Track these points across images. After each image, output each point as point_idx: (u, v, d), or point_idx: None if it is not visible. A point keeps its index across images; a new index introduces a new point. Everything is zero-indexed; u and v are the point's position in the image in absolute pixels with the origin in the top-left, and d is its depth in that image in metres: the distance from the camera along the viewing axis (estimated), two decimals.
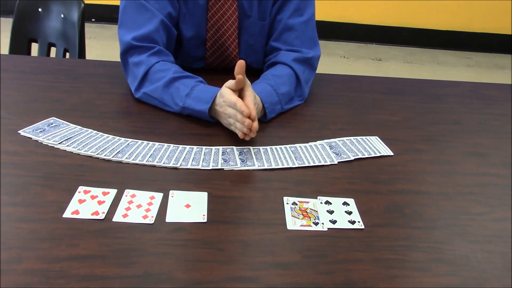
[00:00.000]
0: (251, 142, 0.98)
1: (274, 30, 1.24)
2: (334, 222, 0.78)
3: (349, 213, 0.80)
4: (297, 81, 1.18)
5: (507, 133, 1.15)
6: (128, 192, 0.79)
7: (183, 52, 1.28)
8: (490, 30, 4.13)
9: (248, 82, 1.00)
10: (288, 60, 1.19)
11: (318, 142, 1.00)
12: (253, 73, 1.32)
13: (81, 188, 0.79)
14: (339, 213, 0.80)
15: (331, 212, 0.80)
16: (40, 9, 1.55)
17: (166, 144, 0.93)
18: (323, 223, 0.77)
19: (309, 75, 1.22)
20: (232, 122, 0.97)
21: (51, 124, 0.97)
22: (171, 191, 0.81)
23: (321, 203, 0.81)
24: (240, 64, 0.95)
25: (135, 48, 1.13)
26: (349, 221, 0.78)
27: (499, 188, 0.93)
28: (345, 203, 0.82)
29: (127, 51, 1.13)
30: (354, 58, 3.83)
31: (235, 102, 0.94)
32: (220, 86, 1.01)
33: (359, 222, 0.78)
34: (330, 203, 0.82)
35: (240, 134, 0.95)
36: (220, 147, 0.95)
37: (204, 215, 0.76)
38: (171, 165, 0.88)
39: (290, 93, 1.15)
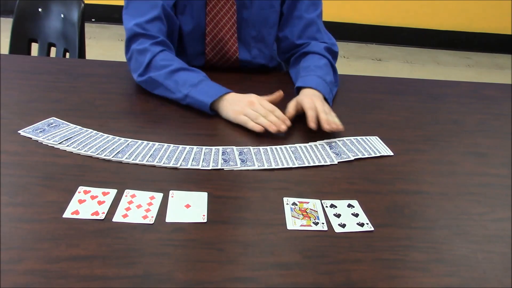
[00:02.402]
0: (251, 142, 0.98)
1: (295, 27, 1.29)
2: (343, 226, 0.77)
3: (356, 215, 0.80)
4: (333, 69, 1.26)
5: (507, 133, 1.15)
6: (128, 192, 0.79)
7: (183, 48, 1.28)
8: (490, 30, 4.13)
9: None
10: (320, 50, 1.26)
11: (318, 142, 1.00)
12: (258, 71, 1.33)
13: (81, 188, 0.79)
14: (346, 216, 0.79)
15: (338, 215, 0.80)
16: (40, 9, 1.55)
17: (166, 144, 0.93)
18: (323, 223, 0.77)
19: (335, 63, 1.29)
20: (255, 117, 1.02)
21: (51, 124, 0.97)
22: (171, 191, 0.81)
23: (327, 206, 0.81)
24: (280, 95, 1.09)
25: (139, 35, 1.16)
26: (357, 224, 0.78)
27: (499, 188, 0.93)
28: (349, 205, 0.82)
29: (131, 38, 1.17)
30: (354, 58, 3.84)
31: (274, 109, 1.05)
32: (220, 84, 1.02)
33: (367, 224, 0.78)
34: (336, 206, 0.82)
35: (272, 128, 1.00)
36: (220, 147, 0.95)
37: (204, 215, 0.76)
38: (171, 165, 0.88)
39: (332, 81, 1.21)
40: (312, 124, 1.01)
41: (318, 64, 1.23)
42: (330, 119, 1.02)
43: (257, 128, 1.00)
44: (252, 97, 1.06)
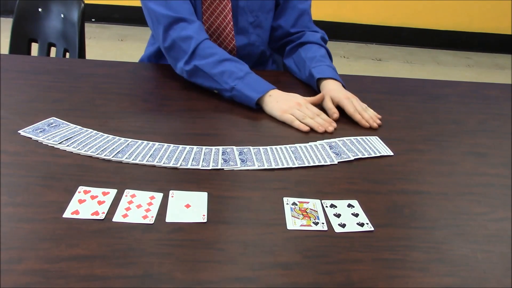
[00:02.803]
0: (251, 142, 0.98)
1: (289, 16, 1.35)
2: (343, 226, 0.77)
3: (356, 215, 0.80)
4: (330, 58, 1.33)
5: (507, 133, 1.15)
6: (128, 192, 0.79)
7: None
8: (490, 30, 4.13)
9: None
10: (317, 39, 1.33)
11: (318, 142, 1.00)
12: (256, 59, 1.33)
13: (81, 188, 0.79)
14: (346, 216, 0.79)
15: (338, 215, 0.80)
16: (40, 9, 1.55)
17: (166, 144, 0.93)
18: (323, 223, 0.77)
19: None
20: (302, 117, 1.07)
21: (51, 124, 0.97)
22: (171, 191, 0.81)
23: (327, 206, 0.81)
24: (322, 96, 1.15)
25: (178, 20, 1.16)
26: (357, 224, 0.78)
27: (499, 188, 0.93)
28: (349, 205, 0.82)
29: (170, 26, 1.16)
30: (354, 58, 3.84)
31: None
32: None
33: (367, 224, 0.78)
34: (336, 206, 0.82)
35: (320, 129, 1.05)
36: (220, 147, 0.95)
37: (204, 215, 0.76)
38: (171, 165, 0.88)
39: (333, 66, 1.28)
40: (367, 124, 1.10)
41: (321, 53, 1.30)
42: (373, 116, 1.12)
43: (303, 127, 1.05)
44: (299, 98, 1.12)
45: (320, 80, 1.22)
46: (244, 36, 1.32)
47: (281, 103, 1.10)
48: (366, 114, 1.11)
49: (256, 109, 1.12)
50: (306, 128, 1.04)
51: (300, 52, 1.32)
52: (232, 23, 1.28)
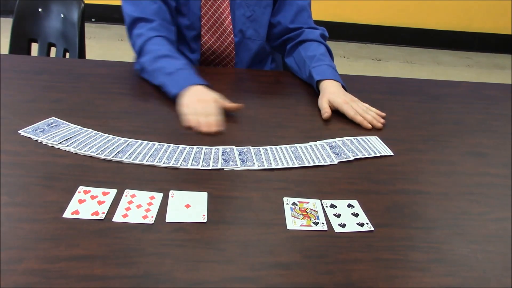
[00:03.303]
0: (251, 142, 0.98)
1: (288, 12, 1.34)
2: (343, 226, 0.77)
3: (356, 215, 0.80)
4: (331, 56, 1.32)
5: (507, 133, 1.15)
6: (128, 192, 0.79)
7: (179, 30, 1.30)
8: (490, 30, 4.13)
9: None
10: (317, 37, 1.32)
11: (318, 142, 1.00)
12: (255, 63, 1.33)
13: (81, 188, 0.79)
14: (346, 216, 0.79)
15: (338, 215, 0.80)
16: (40, 9, 1.55)
17: (166, 144, 0.93)
18: (323, 223, 0.77)
19: None
20: (193, 112, 1.02)
21: (51, 124, 0.97)
22: (171, 191, 0.81)
23: (326, 206, 0.81)
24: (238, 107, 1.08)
25: (137, 20, 1.20)
26: (357, 224, 0.78)
27: (499, 188, 0.93)
28: (350, 205, 0.82)
29: (131, 24, 1.21)
30: (354, 58, 3.84)
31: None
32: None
33: (367, 224, 0.78)
34: (336, 206, 0.82)
35: (367, 126, 1.08)
36: (220, 147, 0.95)
37: (204, 215, 0.76)
38: (171, 165, 0.88)
39: (334, 64, 1.27)
40: (369, 126, 1.09)
41: (320, 51, 1.28)
42: (375, 116, 1.11)
43: (186, 122, 1.02)
44: (211, 95, 1.06)
45: (319, 81, 1.21)
46: (241, 29, 1.32)
47: (192, 96, 1.06)
48: (368, 116, 1.11)
49: (256, 109, 1.12)
50: (187, 124, 1.01)
51: (300, 50, 1.32)
52: (230, 17, 1.28)
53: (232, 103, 1.08)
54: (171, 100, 1.10)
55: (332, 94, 1.15)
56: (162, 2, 1.22)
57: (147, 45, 1.17)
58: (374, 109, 1.14)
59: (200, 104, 1.05)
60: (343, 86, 1.20)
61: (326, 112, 1.11)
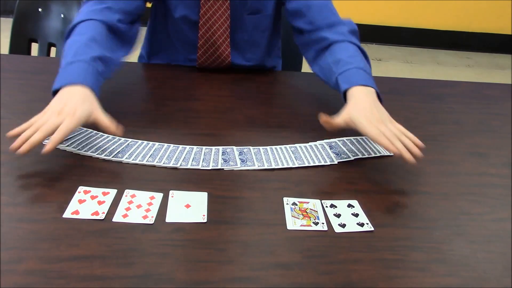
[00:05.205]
0: (251, 142, 0.98)
1: (304, 14, 1.17)
2: (343, 226, 0.77)
3: (356, 215, 0.80)
4: (364, 55, 1.12)
5: (507, 133, 1.15)
6: (128, 192, 0.79)
7: (175, 49, 1.28)
8: (490, 30, 4.13)
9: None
10: (344, 36, 1.12)
11: (318, 142, 1.00)
12: (251, 72, 1.33)
13: (81, 188, 0.79)
14: (346, 216, 0.79)
15: (338, 215, 0.80)
16: (40, 9, 1.55)
17: (166, 144, 0.93)
18: (323, 223, 0.77)
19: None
20: (38, 124, 0.82)
21: None
22: (171, 191, 0.81)
23: (326, 206, 0.81)
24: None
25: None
26: (357, 224, 0.78)
27: (499, 188, 0.93)
28: (349, 205, 0.82)
29: (86, 1, 1.09)
30: None
31: None
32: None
33: (367, 224, 0.78)
34: (336, 206, 0.82)
35: (393, 151, 0.85)
36: (220, 147, 0.94)
37: (204, 215, 0.76)
38: (171, 165, 0.88)
39: (366, 65, 1.08)
40: (397, 151, 0.85)
41: (349, 53, 1.08)
42: (409, 144, 0.87)
43: (27, 141, 0.80)
44: (71, 109, 0.84)
45: (347, 90, 0.99)
46: (239, 53, 1.30)
47: (57, 102, 0.86)
48: (398, 143, 0.86)
49: (256, 109, 1.11)
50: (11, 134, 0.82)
51: (326, 56, 1.12)
52: (229, 39, 1.25)
53: (110, 124, 0.87)
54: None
55: (355, 107, 0.93)
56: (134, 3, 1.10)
57: (78, 26, 1.01)
58: (410, 134, 0.90)
59: (53, 116, 0.83)
60: (378, 95, 0.99)
61: (326, 122, 0.93)
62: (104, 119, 0.87)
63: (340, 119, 0.93)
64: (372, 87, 0.98)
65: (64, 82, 0.89)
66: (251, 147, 0.96)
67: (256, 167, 0.90)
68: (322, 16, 1.16)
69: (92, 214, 0.74)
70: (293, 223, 0.77)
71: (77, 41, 0.98)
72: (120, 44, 1.09)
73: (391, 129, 0.89)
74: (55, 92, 0.89)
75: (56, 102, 0.86)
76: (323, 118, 0.93)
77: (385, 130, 0.88)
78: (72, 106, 0.85)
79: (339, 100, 1.22)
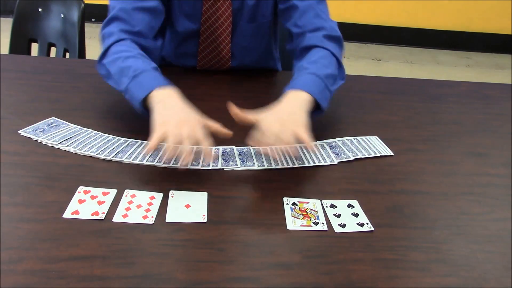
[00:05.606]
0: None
1: (290, 16, 1.16)
2: (343, 226, 0.77)
3: (356, 215, 0.80)
4: (336, 60, 1.10)
5: (507, 133, 1.15)
6: (128, 192, 0.79)
7: (175, 42, 1.28)
8: (490, 30, 4.13)
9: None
10: (318, 40, 1.11)
11: (318, 142, 1.00)
12: (250, 73, 1.33)
13: (81, 188, 0.79)
14: (346, 216, 0.79)
15: (338, 215, 0.80)
16: (40, 9, 1.55)
17: (166, 144, 0.93)
18: (323, 223, 0.77)
19: (341, 51, 1.14)
20: (172, 138, 0.82)
21: (51, 124, 0.97)
22: (171, 191, 0.81)
23: (326, 206, 0.81)
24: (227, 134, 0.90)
25: (117, 19, 1.06)
26: (357, 224, 0.78)
27: (499, 188, 0.93)
28: (349, 205, 0.82)
29: (110, 20, 1.06)
30: (354, 58, 3.83)
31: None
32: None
33: (367, 224, 0.78)
34: (336, 206, 0.82)
35: (183, 164, 0.83)
36: (220, 147, 0.94)
37: (204, 215, 0.76)
38: (171, 165, 0.88)
39: (333, 74, 1.05)
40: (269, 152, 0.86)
41: (314, 58, 1.07)
42: (285, 153, 0.88)
43: (166, 155, 0.82)
44: (192, 117, 0.87)
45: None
46: (238, 57, 1.30)
47: (168, 112, 0.87)
48: (275, 153, 0.86)
49: (256, 109, 1.11)
50: (151, 150, 0.82)
51: (301, 60, 1.10)
52: (230, 45, 1.25)
53: (220, 127, 0.89)
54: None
55: (271, 110, 0.92)
56: (158, 14, 1.10)
57: (116, 45, 1.01)
58: (306, 141, 0.86)
59: (182, 126, 0.83)
60: (318, 104, 0.97)
61: (235, 114, 0.91)
62: (212, 123, 0.89)
63: (251, 116, 0.91)
64: (306, 91, 0.95)
65: (149, 88, 0.90)
66: (251, 147, 0.96)
67: (256, 167, 0.90)
68: (305, 19, 1.14)
69: (92, 214, 0.74)
70: (293, 223, 0.77)
71: (130, 56, 0.99)
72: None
73: (283, 135, 0.86)
74: (140, 104, 0.91)
75: (168, 114, 0.87)
76: (233, 110, 0.91)
77: (278, 132, 0.86)
78: (190, 115, 0.87)
79: (338, 100, 1.23)
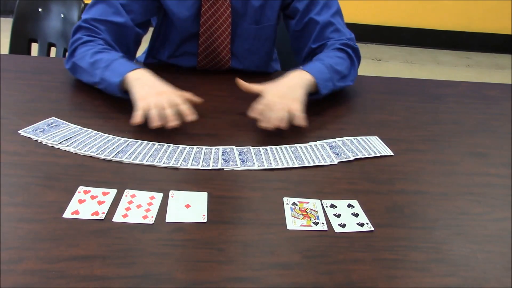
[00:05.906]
0: (251, 142, 0.98)
1: (310, 32, 1.23)
2: (343, 226, 0.77)
3: (356, 215, 0.80)
4: (350, 60, 1.19)
5: (507, 133, 1.15)
6: (128, 192, 0.79)
7: (174, 53, 1.28)
8: (490, 30, 4.13)
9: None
10: (337, 45, 1.19)
11: (318, 142, 1.00)
12: (252, 76, 1.33)
13: (81, 188, 0.79)
14: (346, 216, 0.79)
15: (338, 215, 0.80)
16: (40, 9, 1.55)
17: (166, 144, 0.93)
18: (323, 223, 0.77)
19: (357, 60, 1.22)
20: (153, 107, 0.93)
21: (51, 124, 0.97)
22: (171, 191, 0.81)
23: (326, 206, 0.81)
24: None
25: (84, 28, 1.13)
26: (357, 224, 0.78)
27: (499, 188, 0.93)
28: (350, 205, 0.82)
29: (75, 30, 1.14)
30: None
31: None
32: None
33: (367, 224, 0.78)
34: (336, 206, 0.82)
35: (161, 122, 0.94)
36: (220, 147, 0.95)
37: (204, 215, 0.76)
38: (171, 165, 0.88)
39: (343, 72, 1.15)
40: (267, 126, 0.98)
41: (331, 54, 1.16)
42: (281, 124, 0.97)
43: (151, 120, 0.93)
44: (167, 87, 1.00)
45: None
46: (238, 60, 1.29)
47: (146, 87, 0.98)
48: (270, 123, 0.98)
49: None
50: (137, 121, 0.93)
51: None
52: (229, 46, 1.25)
53: (192, 95, 1.02)
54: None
55: (276, 83, 1.05)
56: (124, 31, 1.16)
57: (82, 46, 1.10)
58: (298, 117, 0.98)
59: (161, 95, 0.96)
60: (318, 87, 1.08)
61: (241, 85, 1.05)
62: (184, 92, 1.02)
63: (256, 87, 1.05)
64: (311, 74, 1.07)
65: (123, 72, 1.00)
66: (251, 147, 0.96)
67: (256, 167, 0.90)
68: (326, 35, 1.22)
69: (92, 214, 0.74)
70: (293, 223, 0.77)
71: (97, 51, 1.08)
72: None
73: (278, 106, 0.98)
74: (118, 88, 1.01)
75: (145, 89, 0.98)
76: (240, 82, 1.07)
77: (276, 103, 0.98)
78: (164, 87, 0.99)
79: (337, 100, 1.23)
